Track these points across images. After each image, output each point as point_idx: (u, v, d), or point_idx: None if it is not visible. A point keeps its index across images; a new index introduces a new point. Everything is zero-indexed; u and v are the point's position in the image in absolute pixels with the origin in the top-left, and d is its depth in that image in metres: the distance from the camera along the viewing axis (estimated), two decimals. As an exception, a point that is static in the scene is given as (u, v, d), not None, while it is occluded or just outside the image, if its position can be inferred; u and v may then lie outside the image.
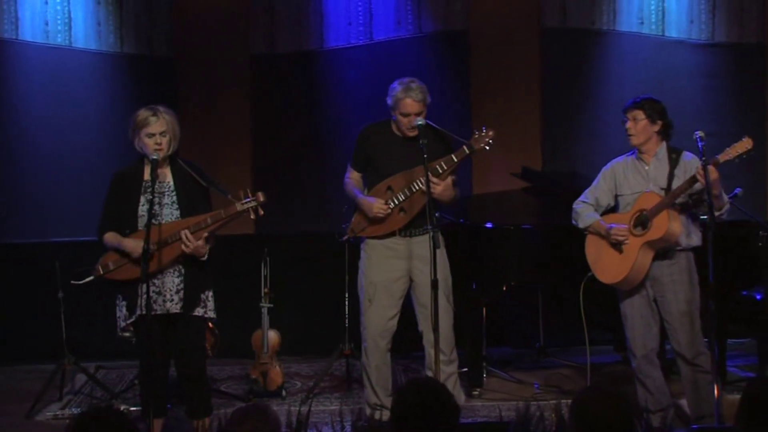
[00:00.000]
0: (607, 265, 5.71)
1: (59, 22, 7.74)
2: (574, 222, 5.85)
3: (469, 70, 8.03)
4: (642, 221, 5.57)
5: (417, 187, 5.69)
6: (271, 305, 6.77)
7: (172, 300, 5.28)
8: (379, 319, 5.89)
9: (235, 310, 7.19)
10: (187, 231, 5.12)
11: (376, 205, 5.73)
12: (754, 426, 3.32)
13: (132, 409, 6.05)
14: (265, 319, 6.74)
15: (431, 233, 5.34)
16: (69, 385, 6.85)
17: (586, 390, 3.51)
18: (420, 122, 5.61)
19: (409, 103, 5.65)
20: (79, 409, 6.37)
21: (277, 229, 7.65)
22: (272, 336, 6.76)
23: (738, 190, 6.05)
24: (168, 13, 7.95)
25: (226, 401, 6.55)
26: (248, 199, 5.12)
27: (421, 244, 5.78)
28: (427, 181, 5.48)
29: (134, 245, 5.17)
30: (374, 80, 7.83)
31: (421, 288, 5.84)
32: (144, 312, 5.19)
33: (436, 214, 5.49)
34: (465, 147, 5.66)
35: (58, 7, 7.73)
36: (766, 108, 8.16)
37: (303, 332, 7.66)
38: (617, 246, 5.64)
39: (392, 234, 5.83)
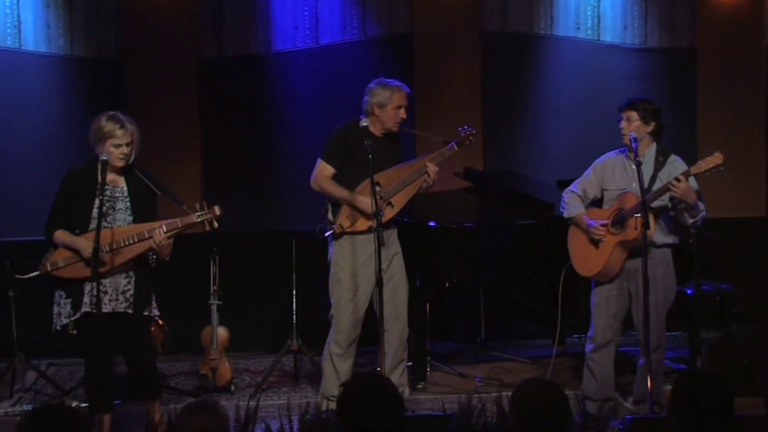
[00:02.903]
0: (584, 258, 5.86)
1: (9, 24, 7.62)
2: (561, 210, 5.98)
3: (412, 72, 8.01)
4: (619, 220, 5.69)
5: (411, 180, 5.93)
6: (220, 302, 6.81)
7: (118, 299, 5.34)
8: (356, 312, 6.02)
9: (184, 308, 7.26)
10: (162, 228, 5.22)
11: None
12: (684, 415, 3.40)
13: (82, 405, 5.97)
14: (215, 316, 6.78)
15: (376, 232, 5.44)
16: (20, 382, 6.84)
17: (525, 383, 3.56)
18: (365, 123, 5.79)
19: (403, 95, 5.96)
20: (29, 406, 6.37)
21: (225, 228, 7.64)
22: (221, 332, 6.80)
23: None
24: (117, 16, 7.83)
25: (176, 397, 6.58)
26: (204, 212, 5.28)
27: (392, 238, 6.06)
28: (372, 184, 5.58)
29: (87, 246, 5.21)
30: (320, 83, 7.92)
31: (391, 280, 6.02)
32: (89, 310, 5.25)
33: (380, 213, 5.57)
34: (454, 144, 6.02)
35: (8, 10, 7.60)
36: (697, 109, 8.24)
37: (251, 329, 7.67)
38: (595, 241, 5.78)
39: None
